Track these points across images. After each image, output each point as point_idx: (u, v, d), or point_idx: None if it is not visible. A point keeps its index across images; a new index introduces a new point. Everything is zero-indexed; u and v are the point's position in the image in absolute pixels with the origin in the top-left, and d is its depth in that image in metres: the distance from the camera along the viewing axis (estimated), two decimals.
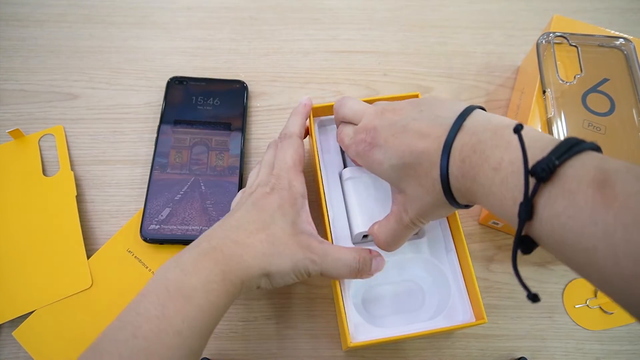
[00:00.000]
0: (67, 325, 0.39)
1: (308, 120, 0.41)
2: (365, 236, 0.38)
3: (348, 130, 0.36)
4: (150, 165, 0.45)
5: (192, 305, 0.28)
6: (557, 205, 0.22)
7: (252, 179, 0.39)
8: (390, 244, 0.35)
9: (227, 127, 0.47)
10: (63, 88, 0.50)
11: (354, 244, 0.39)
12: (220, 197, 0.44)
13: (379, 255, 0.36)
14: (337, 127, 0.39)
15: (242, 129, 0.47)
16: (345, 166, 0.42)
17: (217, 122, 0.47)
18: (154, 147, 0.46)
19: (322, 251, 0.34)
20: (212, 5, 0.56)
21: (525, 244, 0.25)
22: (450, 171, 0.28)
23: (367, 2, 0.57)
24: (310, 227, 0.36)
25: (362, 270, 0.34)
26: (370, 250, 0.35)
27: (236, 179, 0.45)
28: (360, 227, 0.38)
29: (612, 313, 0.42)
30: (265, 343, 0.40)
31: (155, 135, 0.47)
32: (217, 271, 0.30)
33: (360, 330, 0.35)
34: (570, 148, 0.23)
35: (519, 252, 0.25)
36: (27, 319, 0.39)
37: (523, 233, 0.24)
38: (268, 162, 0.39)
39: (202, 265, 0.30)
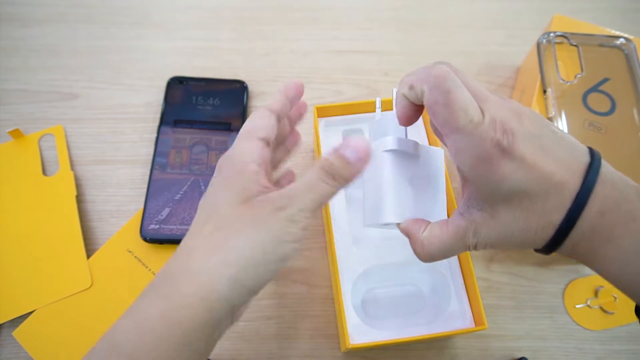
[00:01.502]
0: (67, 325, 0.39)
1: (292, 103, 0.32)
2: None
3: (467, 99, 0.25)
4: (150, 165, 0.45)
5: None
6: None
7: None
8: (435, 257, 0.28)
9: (227, 127, 0.47)
10: (63, 88, 0.50)
11: (367, 226, 0.32)
12: None
13: (353, 141, 0.26)
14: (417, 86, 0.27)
15: None
16: None
17: (217, 122, 0.47)
18: (154, 147, 0.46)
19: (288, 197, 0.25)
20: (212, 5, 0.55)
21: None
22: (578, 221, 0.24)
23: (367, 2, 0.57)
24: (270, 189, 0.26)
25: (337, 173, 0.25)
26: (335, 150, 0.26)
27: None
28: (391, 217, 0.29)
29: (612, 313, 0.42)
30: (265, 343, 0.40)
31: (155, 135, 0.47)
32: (154, 307, 0.23)
33: (359, 331, 0.35)
34: None
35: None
36: (27, 319, 0.39)
37: None
38: None
39: (137, 307, 0.24)
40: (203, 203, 0.27)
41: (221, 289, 0.23)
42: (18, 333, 0.38)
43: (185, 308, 0.22)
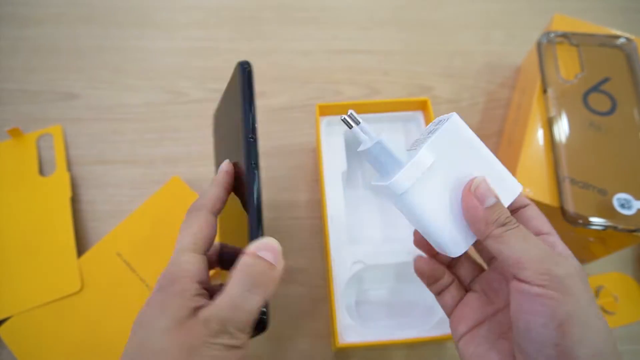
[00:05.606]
0: (54, 328, 0.39)
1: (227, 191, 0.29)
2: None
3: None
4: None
5: None
6: None
7: None
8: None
9: None
10: (63, 88, 0.50)
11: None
12: None
13: (266, 245, 0.25)
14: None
15: None
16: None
17: None
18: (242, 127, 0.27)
19: (219, 320, 0.23)
20: (212, 5, 0.55)
21: None
22: None
23: (367, 1, 0.57)
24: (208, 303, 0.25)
25: (260, 279, 0.25)
26: (251, 253, 0.25)
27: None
28: (459, 249, 0.26)
29: (613, 313, 0.41)
30: (266, 343, 0.40)
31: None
32: None
33: (352, 332, 0.35)
34: None
35: None
36: (10, 319, 0.39)
37: None
38: None
39: None
40: (136, 324, 0.24)
41: None
42: (3, 331, 0.38)
43: None
